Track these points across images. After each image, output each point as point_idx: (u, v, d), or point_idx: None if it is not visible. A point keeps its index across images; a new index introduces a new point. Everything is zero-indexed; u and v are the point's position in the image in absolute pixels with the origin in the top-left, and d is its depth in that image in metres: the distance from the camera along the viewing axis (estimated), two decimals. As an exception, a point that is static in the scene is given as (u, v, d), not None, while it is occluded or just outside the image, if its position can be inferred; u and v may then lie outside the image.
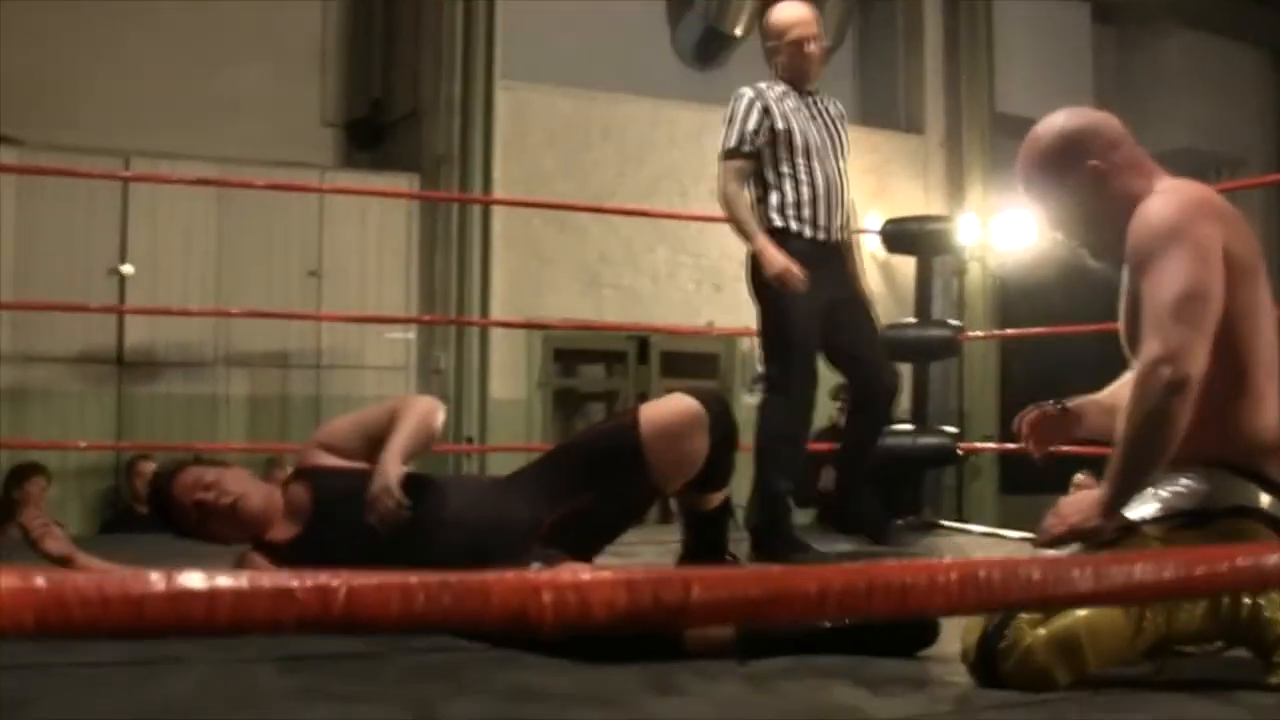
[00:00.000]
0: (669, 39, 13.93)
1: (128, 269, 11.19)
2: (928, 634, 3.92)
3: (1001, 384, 14.30)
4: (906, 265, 10.33)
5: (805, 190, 6.69)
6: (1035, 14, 14.90)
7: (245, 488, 4.63)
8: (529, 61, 12.79)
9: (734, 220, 6.69)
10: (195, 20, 12.40)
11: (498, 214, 12.37)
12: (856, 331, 6.80)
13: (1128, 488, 3.50)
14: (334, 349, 11.72)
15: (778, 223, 6.63)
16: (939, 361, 9.93)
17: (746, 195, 6.73)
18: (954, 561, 1.33)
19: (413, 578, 1.10)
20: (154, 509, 4.82)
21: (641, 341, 13.23)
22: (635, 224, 12.93)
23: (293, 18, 12.97)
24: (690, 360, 13.69)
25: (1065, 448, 4.12)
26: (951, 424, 10.21)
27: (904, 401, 11.51)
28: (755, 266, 6.58)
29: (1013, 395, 14.16)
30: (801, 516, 7.85)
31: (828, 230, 6.69)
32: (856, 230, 7.09)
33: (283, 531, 4.59)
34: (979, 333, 12.24)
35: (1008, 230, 11.95)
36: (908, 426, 8.93)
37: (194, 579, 1.04)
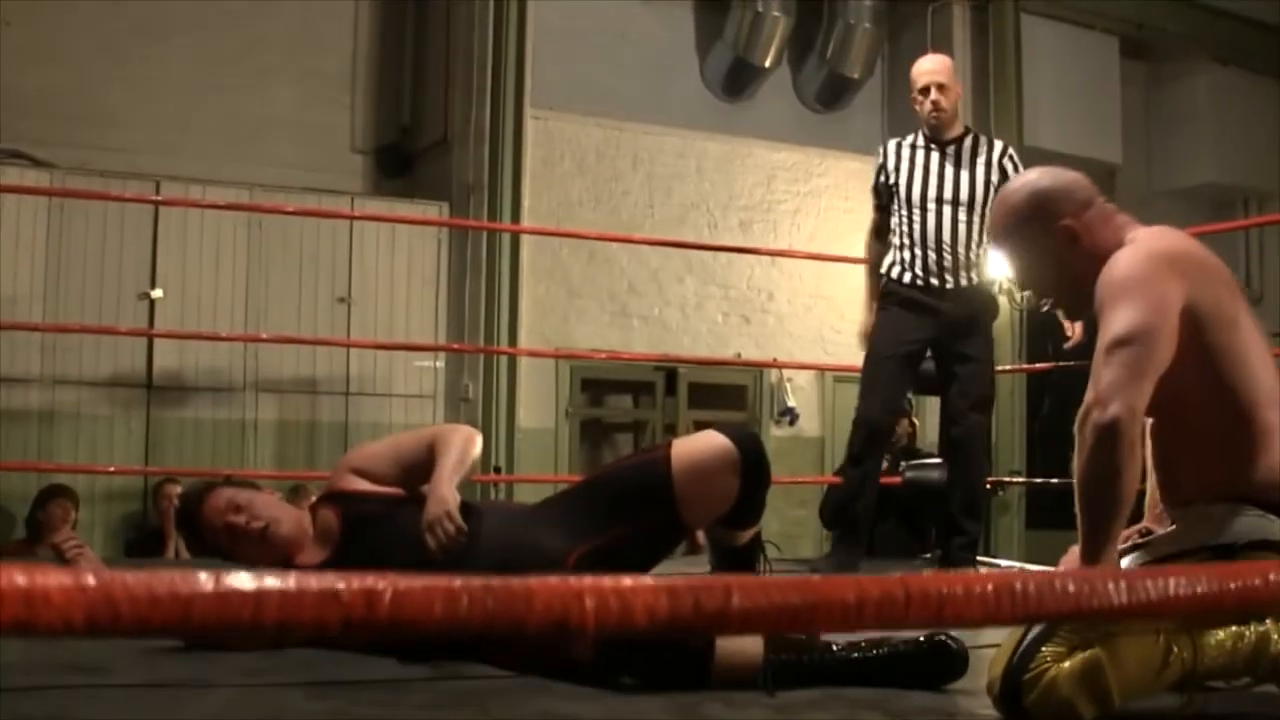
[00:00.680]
0: (698, 70, 13.94)
1: (157, 293, 11.21)
2: (956, 666, 3.90)
3: (1029, 418, 14.26)
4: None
5: (908, 239, 7.02)
6: (1064, 48, 14.89)
7: (276, 513, 4.63)
8: (559, 91, 12.82)
9: None
10: (227, 46, 12.46)
11: (526, 243, 12.38)
12: (950, 379, 7.10)
13: (1096, 542, 3.44)
14: (362, 376, 11.74)
15: (884, 270, 7.12)
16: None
17: (876, 249, 7.26)
18: (990, 573, 1.33)
19: (456, 581, 1.11)
20: (182, 528, 4.86)
21: (669, 372, 13.22)
22: (664, 254, 12.94)
23: (324, 45, 13.03)
24: (718, 392, 13.68)
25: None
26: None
27: (930, 435, 11.57)
28: None
29: (1040, 429, 14.14)
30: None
31: (940, 278, 6.96)
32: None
33: (312, 555, 4.59)
34: (1006, 366, 12.21)
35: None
36: (934, 460, 8.92)
37: (242, 579, 1.05)
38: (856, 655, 3.91)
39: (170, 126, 12.12)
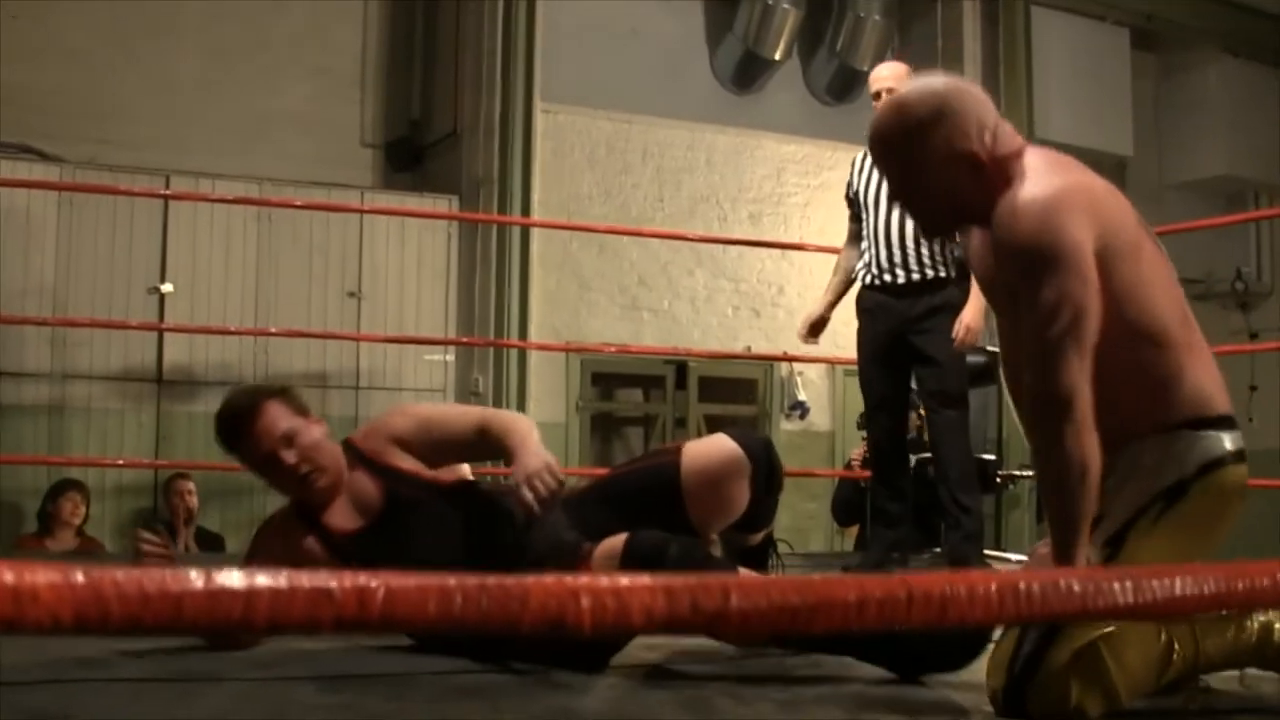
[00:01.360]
0: (708, 62, 13.92)
1: (167, 287, 11.21)
2: (976, 645, 3.86)
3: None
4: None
5: (867, 239, 7.39)
6: (1074, 40, 14.86)
7: (324, 461, 4.50)
8: (568, 84, 12.82)
9: None
10: (237, 40, 12.47)
11: (536, 236, 12.38)
12: (919, 380, 7.36)
13: (1070, 538, 3.39)
14: (373, 370, 11.73)
15: (857, 274, 7.48)
16: (976, 389, 9.88)
17: (848, 256, 7.64)
18: (994, 573, 1.33)
19: (451, 579, 1.10)
20: (224, 429, 4.55)
21: (680, 366, 13.22)
22: (674, 248, 12.94)
23: (333, 39, 13.03)
24: (728, 385, 13.67)
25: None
26: (989, 452, 10.18)
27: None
28: None
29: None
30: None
31: (892, 274, 7.24)
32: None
33: (344, 520, 4.52)
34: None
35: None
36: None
37: (232, 578, 1.04)
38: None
39: (180, 121, 12.13)
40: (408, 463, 4.57)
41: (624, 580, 1.15)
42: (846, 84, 14.10)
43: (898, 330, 7.22)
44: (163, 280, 11.24)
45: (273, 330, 10.70)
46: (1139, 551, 3.40)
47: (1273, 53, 16.61)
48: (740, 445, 4.51)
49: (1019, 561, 8.49)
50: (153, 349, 11.21)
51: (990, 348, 9.18)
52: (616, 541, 4.08)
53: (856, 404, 12.97)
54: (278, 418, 4.49)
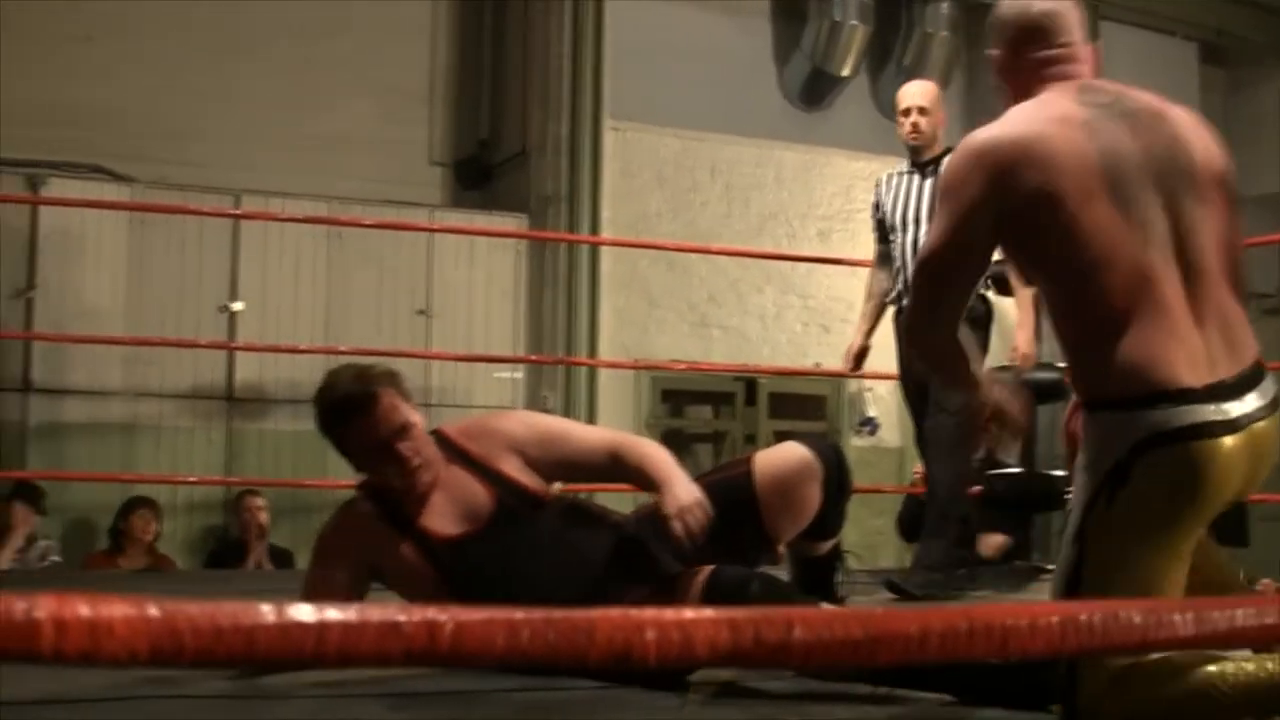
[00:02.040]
0: (776, 80, 13.91)
1: (238, 306, 11.28)
2: (1052, 691, 3.80)
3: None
4: (1011, 307, 10.28)
5: (896, 262, 7.35)
6: (1141, 54, 14.79)
7: (430, 454, 4.44)
8: (636, 102, 12.83)
9: None
10: (306, 59, 12.53)
11: (605, 254, 12.40)
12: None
13: (952, 379, 3.85)
14: (442, 388, 11.76)
15: (890, 297, 7.45)
16: (1046, 405, 9.83)
17: (879, 279, 7.64)
18: (1056, 604, 1.33)
19: (519, 613, 1.11)
20: (334, 411, 4.45)
21: (749, 383, 13.21)
22: (742, 264, 12.94)
23: (402, 57, 13.08)
24: (797, 402, 13.65)
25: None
26: (1060, 467, 10.13)
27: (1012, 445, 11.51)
28: None
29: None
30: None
31: (907, 295, 7.04)
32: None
33: (444, 523, 4.40)
34: (1062, 364, 12.10)
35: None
36: (1015, 470, 8.91)
37: (303, 611, 1.05)
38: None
39: (249, 140, 12.19)
40: (520, 472, 4.48)
41: (688, 613, 1.16)
42: (915, 101, 14.07)
43: None
44: (233, 299, 11.31)
45: (343, 348, 10.71)
46: (1100, 546, 3.30)
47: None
48: (811, 450, 4.54)
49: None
50: (223, 367, 11.28)
51: (1060, 363, 9.14)
52: (699, 575, 4.08)
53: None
54: (396, 406, 4.42)
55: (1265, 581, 9.34)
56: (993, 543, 9.92)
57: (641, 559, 4.36)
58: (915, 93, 7.34)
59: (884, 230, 7.49)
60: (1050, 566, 8.95)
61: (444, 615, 1.08)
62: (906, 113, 7.24)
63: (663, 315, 12.93)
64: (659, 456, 4.45)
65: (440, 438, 4.57)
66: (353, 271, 11.72)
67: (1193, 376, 3.28)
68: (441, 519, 4.39)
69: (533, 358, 12.15)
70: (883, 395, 13.60)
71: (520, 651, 1.09)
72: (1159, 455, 3.25)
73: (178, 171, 11.44)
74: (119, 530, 10.14)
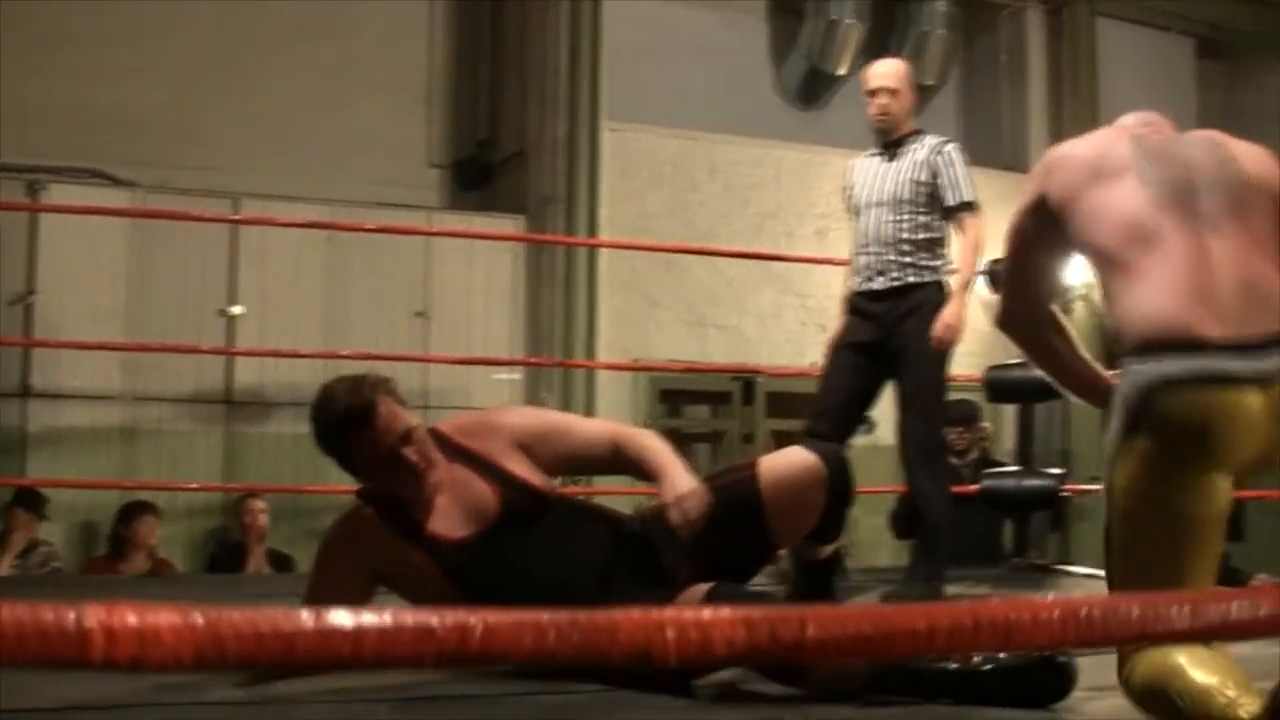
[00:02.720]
0: (773, 79, 13.95)
1: (237, 309, 11.30)
2: (1063, 684, 3.85)
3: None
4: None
5: (858, 244, 7.15)
6: (1139, 50, 14.85)
7: (434, 455, 4.38)
8: (634, 103, 12.86)
9: None
10: (304, 61, 12.55)
11: (603, 254, 12.42)
12: (897, 377, 7.06)
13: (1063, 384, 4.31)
14: (441, 390, 11.76)
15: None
16: (1043, 403, 9.85)
17: (857, 266, 7.22)
18: (1056, 599, 1.36)
19: (544, 616, 1.13)
20: (337, 427, 4.39)
21: (747, 382, 13.23)
22: (740, 264, 12.95)
23: (399, 59, 13.11)
24: (796, 401, 13.63)
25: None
26: (1056, 465, 10.17)
27: (1008, 443, 11.55)
28: None
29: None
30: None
31: (874, 278, 7.03)
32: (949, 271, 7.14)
33: (450, 525, 4.36)
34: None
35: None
36: (1013, 468, 8.94)
37: (341, 617, 1.07)
38: (957, 666, 3.89)
39: (249, 143, 12.22)
40: (524, 469, 4.47)
41: (706, 613, 1.20)
42: (912, 100, 14.10)
43: (871, 336, 7.03)
44: (232, 303, 11.33)
45: (342, 353, 10.68)
46: (1122, 485, 3.40)
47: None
48: (817, 455, 4.56)
49: (1085, 574, 8.49)
50: (222, 371, 11.31)
51: (1017, 359, 9.19)
52: (696, 592, 4.09)
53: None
54: (395, 412, 4.36)
55: (1261, 577, 9.37)
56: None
57: (646, 559, 4.38)
58: (883, 73, 7.22)
59: (856, 215, 7.31)
60: (1049, 564, 9.02)
61: (474, 618, 1.11)
62: (874, 94, 7.13)
63: (661, 315, 12.95)
64: (657, 447, 4.51)
65: (439, 437, 4.51)
66: (351, 274, 11.74)
67: (1211, 330, 3.35)
68: (447, 521, 4.35)
69: (530, 360, 12.19)
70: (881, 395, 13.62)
71: (546, 651, 1.12)
72: (1168, 401, 3.32)
73: (178, 175, 11.46)
74: (119, 536, 10.15)
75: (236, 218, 10.90)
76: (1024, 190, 3.81)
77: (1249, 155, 3.74)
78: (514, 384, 12.27)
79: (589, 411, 11.97)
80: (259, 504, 10.55)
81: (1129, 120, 3.94)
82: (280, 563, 10.58)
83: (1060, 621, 1.32)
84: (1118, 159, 3.65)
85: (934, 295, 6.95)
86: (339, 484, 10.69)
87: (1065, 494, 9.03)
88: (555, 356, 12.03)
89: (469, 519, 4.36)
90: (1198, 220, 3.53)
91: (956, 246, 7.02)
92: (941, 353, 6.91)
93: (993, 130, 14.94)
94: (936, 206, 6.98)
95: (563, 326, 12.19)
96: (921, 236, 6.97)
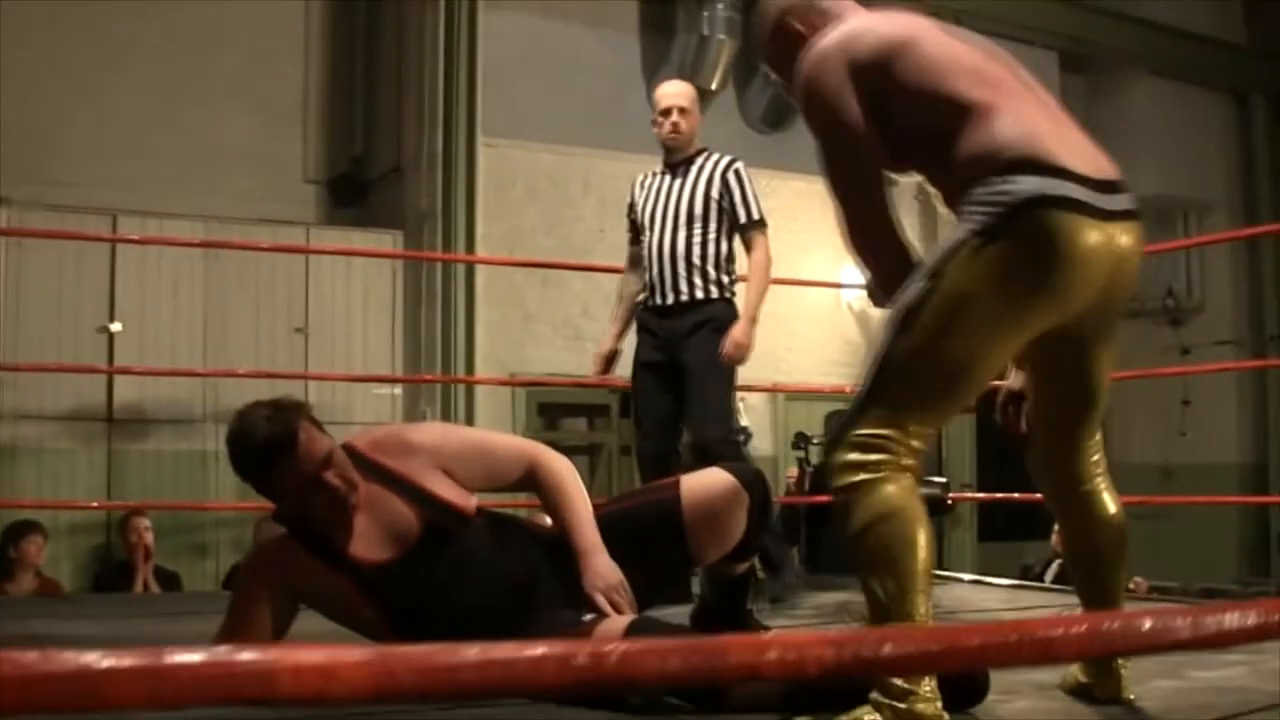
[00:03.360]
0: (645, 94, 14.05)
1: (116, 326, 11.26)
2: (978, 690, 3.95)
3: (979, 431, 14.38)
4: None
5: (646, 261, 7.28)
6: (1005, 64, 15.07)
7: (354, 476, 4.29)
8: (509, 118, 12.93)
9: None
10: (179, 77, 12.54)
11: (481, 269, 12.47)
12: (686, 388, 7.12)
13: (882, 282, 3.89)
14: (321, 405, 11.69)
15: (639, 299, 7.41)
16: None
17: (628, 280, 7.65)
18: (1085, 616, 1.48)
19: (669, 642, 1.23)
20: (260, 457, 4.21)
21: (624, 395, 13.31)
22: (616, 278, 13.00)
23: (275, 74, 13.11)
24: (671, 412, 13.77)
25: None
26: (931, 474, 10.33)
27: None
28: None
29: (989, 443, 14.28)
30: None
31: (662, 294, 7.17)
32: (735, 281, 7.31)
33: (370, 548, 4.31)
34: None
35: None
36: (937, 480, 9.02)
37: (504, 649, 1.16)
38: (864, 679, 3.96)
39: (125, 159, 12.17)
40: (445, 488, 4.43)
41: (803, 637, 1.30)
42: (782, 113, 14.23)
43: (663, 354, 7.17)
44: (111, 319, 11.28)
45: (218, 371, 10.60)
46: (957, 277, 3.48)
47: (1198, 73, 16.92)
48: (737, 478, 4.65)
49: (971, 580, 8.62)
50: (102, 388, 11.26)
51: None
52: (616, 625, 4.15)
53: (798, 428, 13.14)
54: (316, 439, 4.26)
55: (1137, 579, 9.57)
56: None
57: (568, 573, 4.43)
58: (675, 93, 7.37)
59: (636, 231, 7.48)
60: (940, 572, 9.15)
61: (608, 646, 1.20)
62: (666, 112, 7.25)
63: (538, 329, 13.03)
64: (570, 490, 4.52)
65: (355, 455, 4.42)
66: (230, 290, 11.74)
67: (1071, 162, 3.54)
68: (367, 543, 4.32)
69: (410, 378, 12.23)
70: (755, 404, 13.75)
71: (670, 675, 1.22)
72: (1039, 216, 3.44)
73: (52, 192, 11.40)
74: (7, 556, 10.06)
75: (113, 237, 10.86)
76: (823, 86, 3.77)
77: None
78: (394, 398, 12.30)
79: (469, 423, 12.01)
80: (144, 522, 10.49)
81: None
82: (168, 581, 10.55)
83: (1088, 635, 1.43)
84: (924, 24, 3.84)
85: (723, 311, 7.10)
86: (223, 500, 10.72)
87: (950, 502, 9.17)
88: (434, 371, 12.06)
89: (390, 541, 4.33)
90: (1025, 81, 3.77)
91: (746, 264, 7.16)
92: (729, 368, 7.04)
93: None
94: (725, 223, 7.14)
95: (441, 340, 12.22)
96: (711, 252, 7.11)
